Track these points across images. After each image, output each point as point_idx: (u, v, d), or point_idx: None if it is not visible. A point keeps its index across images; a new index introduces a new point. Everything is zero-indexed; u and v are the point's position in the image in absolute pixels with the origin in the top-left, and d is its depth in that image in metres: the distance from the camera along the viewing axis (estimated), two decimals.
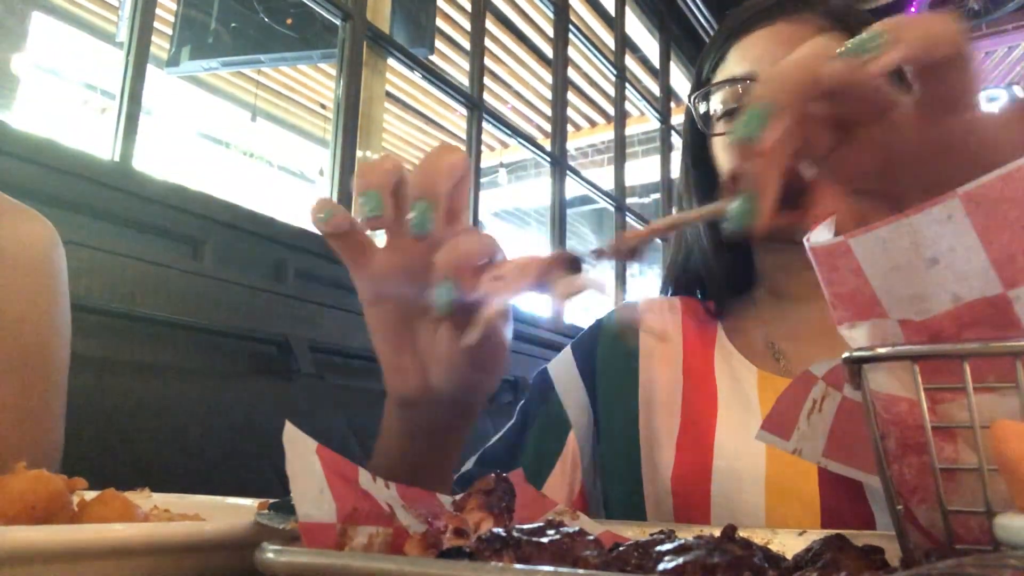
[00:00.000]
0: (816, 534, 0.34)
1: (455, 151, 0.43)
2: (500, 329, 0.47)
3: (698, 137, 0.81)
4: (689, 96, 0.80)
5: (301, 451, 0.32)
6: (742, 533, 0.32)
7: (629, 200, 4.12)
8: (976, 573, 0.19)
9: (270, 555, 0.26)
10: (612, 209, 3.81)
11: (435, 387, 0.48)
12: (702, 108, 0.78)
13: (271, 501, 0.40)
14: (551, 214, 3.29)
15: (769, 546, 0.33)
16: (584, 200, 5.18)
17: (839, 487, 0.62)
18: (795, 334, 0.76)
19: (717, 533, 0.30)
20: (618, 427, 0.76)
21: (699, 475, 0.67)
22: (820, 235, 0.33)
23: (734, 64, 0.76)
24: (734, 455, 0.67)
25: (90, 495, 0.42)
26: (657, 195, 4.72)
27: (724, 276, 0.80)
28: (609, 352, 0.81)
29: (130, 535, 0.33)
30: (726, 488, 0.66)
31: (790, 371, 0.73)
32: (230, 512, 0.51)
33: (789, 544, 0.37)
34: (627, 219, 3.88)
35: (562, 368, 0.81)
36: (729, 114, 0.75)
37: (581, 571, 0.24)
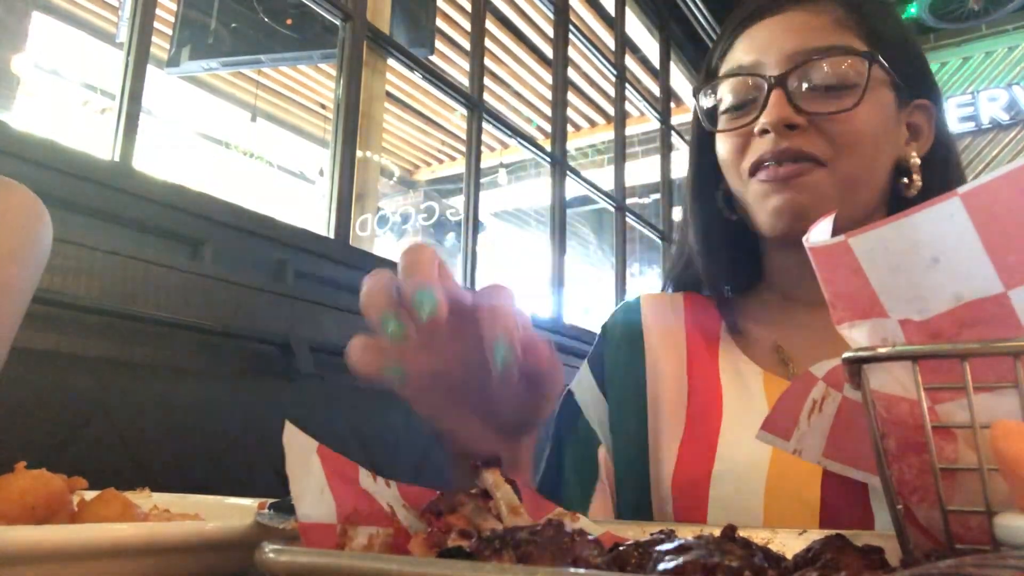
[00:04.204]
0: (816, 534, 0.34)
1: (422, 247, 0.46)
2: (553, 361, 0.51)
3: (704, 132, 0.78)
4: (694, 91, 0.78)
5: (301, 451, 0.32)
6: (742, 533, 0.32)
7: (629, 200, 4.12)
8: (976, 573, 0.19)
9: (270, 555, 0.26)
10: (612, 209, 3.81)
11: (503, 430, 0.53)
12: (707, 102, 0.75)
13: (271, 501, 0.40)
14: (551, 214, 3.29)
15: (769, 546, 0.33)
16: (584, 200, 5.18)
17: (842, 495, 0.61)
18: (802, 338, 0.74)
19: (717, 533, 0.30)
20: (629, 430, 0.74)
21: (698, 480, 0.66)
22: (819, 234, 0.33)
23: (741, 53, 0.73)
24: (737, 460, 0.65)
25: (90, 495, 0.42)
26: (657, 195, 4.72)
27: (727, 276, 0.78)
28: (615, 355, 0.79)
29: (130, 535, 0.33)
30: (724, 492, 0.64)
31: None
32: (230, 512, 0.51)
33: (789, 544, 0.37)
34: (627, 219, 3.88)
35: (584, 387, 0.80)
36: (734, 109, 0.73)
37: (581, 571, 0.24)
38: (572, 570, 0.24)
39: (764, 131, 0.68)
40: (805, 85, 0.68)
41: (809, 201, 0.67)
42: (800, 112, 0.67)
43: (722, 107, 0.74)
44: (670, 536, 0.29)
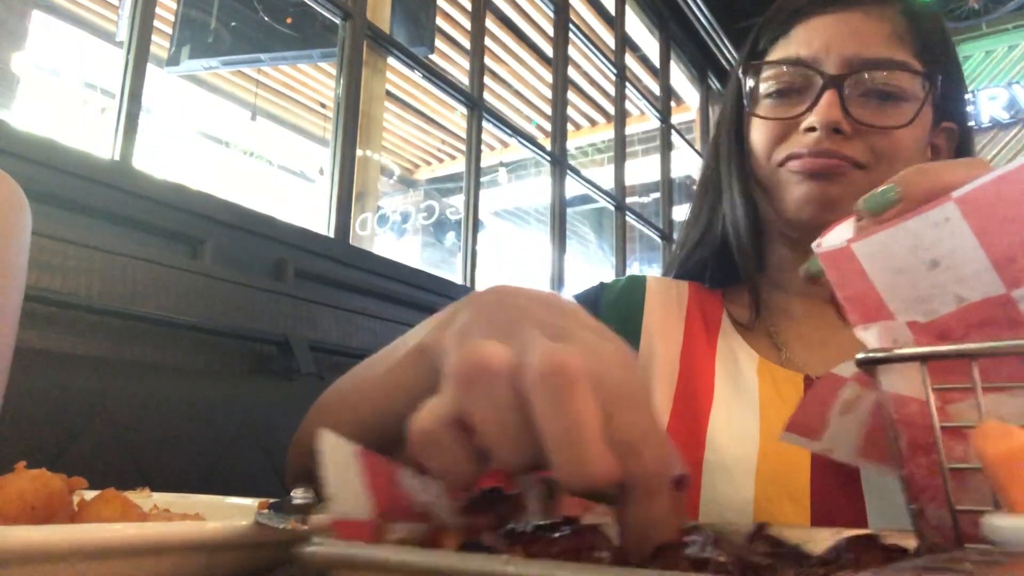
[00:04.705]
0: (849, 532, 0.34)
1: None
2: None
3: (740, 110, 0.77)
4: (741, 65, 0.76)
5: (340, 454, 0.32)
6: (783, 532, 0.33)
7: (629, 199, 4.12)
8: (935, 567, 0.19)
9: (310, 547, 0.27)
10: (612, 208, 3.81)
11: None
12: (751, 82, 0.74)
13: (271, 501, 0.40)
14: (551, 213, 3.29)
15: (806, 546, 0.33)
16: (584, 199, 5.18)
17: (831, 482, 0.61)
18: (797, 325, 0.75)
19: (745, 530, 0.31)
20: None
21: (689, 468, 0.67)
22: (832, 239, 0.33)
23: (798, 44, 0.72)
24: (726, 448, 0.66)
25: (90, 495, 0.42)
26: (657, 194, 4.72)
27: (754, 262, 0.77)
28: (610, 318, 0.77)
29: (130, 535, 0.33)
30: (716, 481, 0.65)
31: (792, 361, 0.72)
32: (230, 512, 0.51)
33: (822, 544, 0.37)
34: (627, 218, 3.88)
35: None
36: (778, 95, 0.72)
37: (599, 566, 0.24)
38: (583, 564, 0.24)
39: (811, 129, 0.68)
40: (859, 92, 0.68)
41: (839, 194, 0.67)
42: (849, 118, 0.67)
43: (766, 91, 0.73)
44: (694, 531, 0.29)
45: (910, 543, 0.30)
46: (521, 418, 0.29)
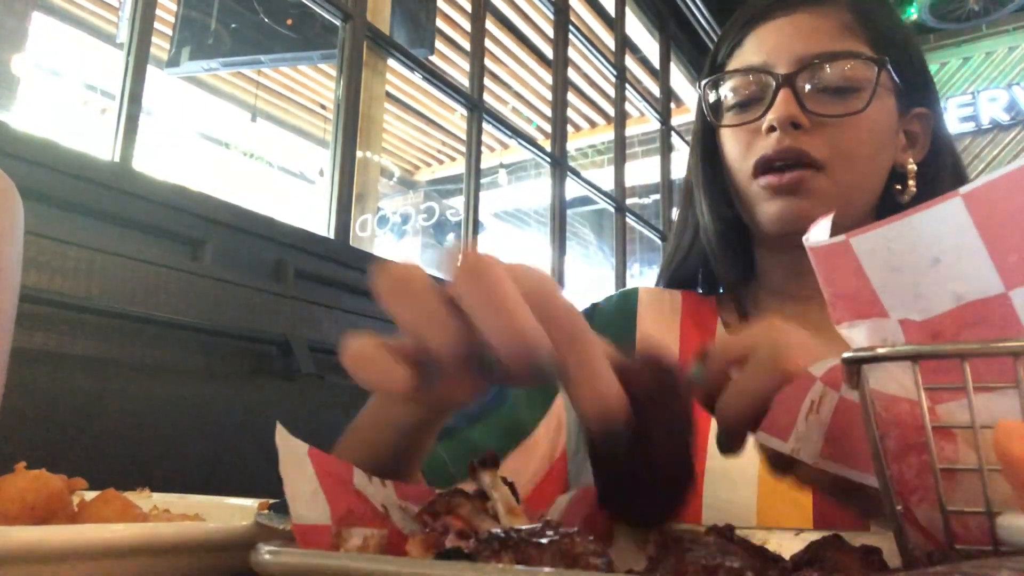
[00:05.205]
0: (813, 535, 0.34)
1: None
2: None
3: (709, 125, 0.78)
4: (700, 81, 0.78)
5: (293, 453, 0.32)
6: (739, 534, 0.32)
7: (629, 201, 4.12)
8: (974, 574, 0.19)
9: (266, 555, 0.26)
10: (612, 210, 3.81)
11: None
12: (712, 96, 0.76)
13: (271, 501, 0.40)
14: (551, 214, 3.29)
15: (766, 546, 0.33)
16: (584, 200, 5.18)
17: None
18: None
19: (708, 532, 0.30)
20: None
21: None
22: (818, 234, 0.33)
23: (750, 52, 0.74)
24: (728, 457, 0.66)
25: (90, 495, 0.42)
26: (657, 196, 4.72)
27: (734, 272, 0.78)
28: (603, 336, 0.77)
29: (130, 535, 0.33)
30: (718, 488, 0.65)
31: None
32: (230, 512, 0.51)
33: (785, 545, 0.36)
34: (627, 219, 3.88)
35: None
36: (740, 105, 0.73)
37: (582, 572, 0.24)
38: (572, 571, 0.24)
39: (771, 128, 0.69)
40: (813, 86, 0.69)
41: (809, 207, 0.69)
42: (806, 112, 0.68)
43: (729, 103, 0.75)
44: (669, 536, 0.29)
45: (880, 543, 0.30)
46: (451, 309, 0.32)
